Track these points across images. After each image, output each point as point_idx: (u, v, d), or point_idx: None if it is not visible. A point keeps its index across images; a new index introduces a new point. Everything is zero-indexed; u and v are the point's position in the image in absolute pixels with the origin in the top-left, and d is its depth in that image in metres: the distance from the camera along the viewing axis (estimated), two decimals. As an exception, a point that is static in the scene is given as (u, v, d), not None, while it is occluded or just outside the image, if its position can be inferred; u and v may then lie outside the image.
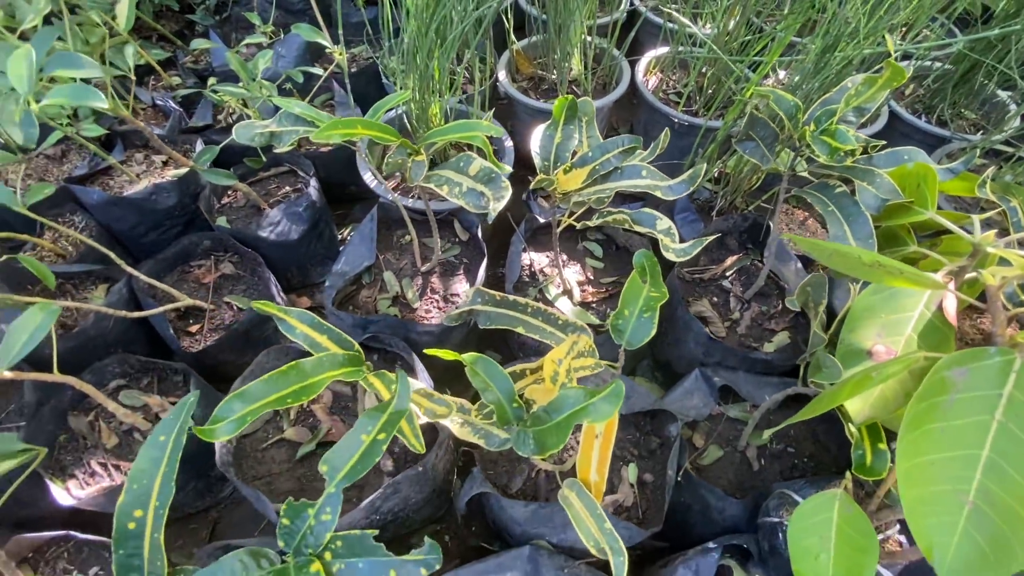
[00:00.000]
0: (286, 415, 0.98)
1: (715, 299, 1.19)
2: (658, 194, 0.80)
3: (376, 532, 0.51)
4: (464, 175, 0.80)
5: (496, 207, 0.75)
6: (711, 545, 0.85)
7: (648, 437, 1.01)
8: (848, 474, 0.74)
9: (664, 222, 0.80)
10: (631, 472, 0.94)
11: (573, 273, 1.22)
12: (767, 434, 0.99)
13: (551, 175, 0.82)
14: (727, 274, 1.23)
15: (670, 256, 0.77)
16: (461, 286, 1.16)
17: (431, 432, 0.97)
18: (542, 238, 1.27)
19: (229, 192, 1.36)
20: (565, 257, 1.26)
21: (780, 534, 0.79)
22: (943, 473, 0.49)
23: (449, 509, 1.12)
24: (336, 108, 1.48)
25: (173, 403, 1.02)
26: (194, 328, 1.14)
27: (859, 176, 0.88)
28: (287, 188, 1.37)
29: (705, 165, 0.85)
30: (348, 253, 1.17)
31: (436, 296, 1.16)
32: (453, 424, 0.75)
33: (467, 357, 0.65)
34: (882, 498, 0.74)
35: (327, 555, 0.49)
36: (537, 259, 1.23)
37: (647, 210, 0.82)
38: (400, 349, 0.99)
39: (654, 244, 1.31)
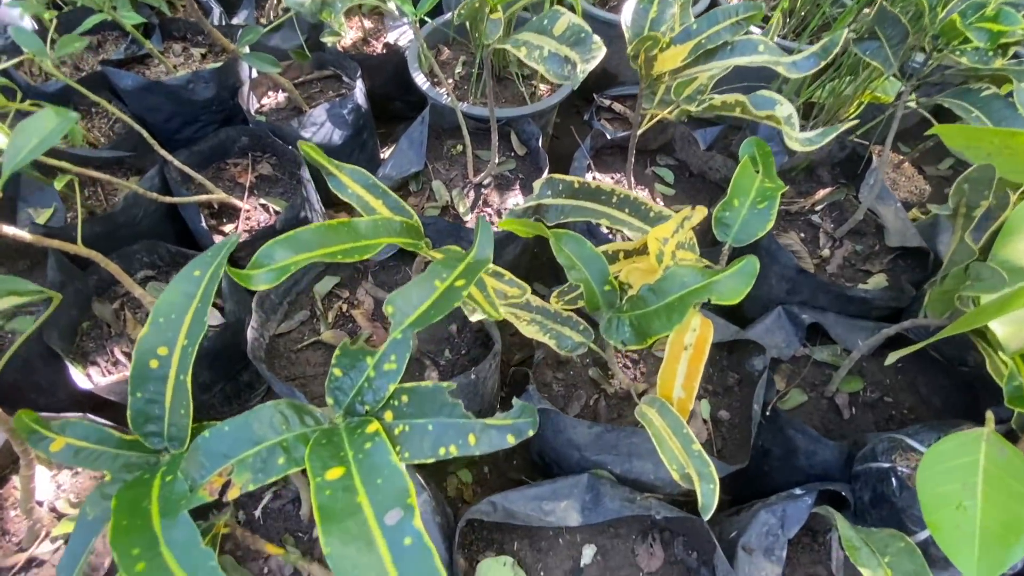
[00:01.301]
0: (324, 317, 0.89)
1: (803, 234, 1.06)
2: (781, 70, 0.67)
3: (454, 386, 0.41)
4: (547, 36, 0.67)
5: (584, 70, 0.63)
6: (798, 491, 0.74)
7: (724, 373, 0.89)
8: (990, 414, 0.62)
9: (786, 107, 0.67)
10: (704, 408, 0.83)
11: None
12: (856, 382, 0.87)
13: (645, 49, 0.69)
14: (816, 208, 1.09)
15: (794, 145, 0.64)
16: (516, 200, 1.05)
17: (484, 345, 0.87)
18: (607, 158, 1.15)
19: (269, 92, 1.26)
20: (632, 181, 1.13)
21: (893, 479, 0.67)
22: None
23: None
24: None
25: (203, 298, 0.94)
26: (227, 228, 1.06)
27: (1018, 76, 0.73)
28: (330, 93, 1.27)
29: (845, 31, 0.71)
30: (396, 158, 1.06)
31: (489, 210, 1.05)
32: (521, 320, 0.64)
33: (554, 232, 0.54)
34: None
35: (388, 415, 0.39)
36: (601, 181, 1.10)
37: (765, 92, 0.69)
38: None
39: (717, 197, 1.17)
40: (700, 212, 0.56)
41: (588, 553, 0.73)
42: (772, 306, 0.97)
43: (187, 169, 0.99)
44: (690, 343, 0.64)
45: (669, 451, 0.61)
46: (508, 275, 0.60)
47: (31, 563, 0.72)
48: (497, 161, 1.07)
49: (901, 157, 1.31)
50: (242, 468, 0.34)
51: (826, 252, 1.03)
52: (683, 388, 0.64)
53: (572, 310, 0.65)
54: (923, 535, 0.65)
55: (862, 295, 0.92)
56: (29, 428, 0.42)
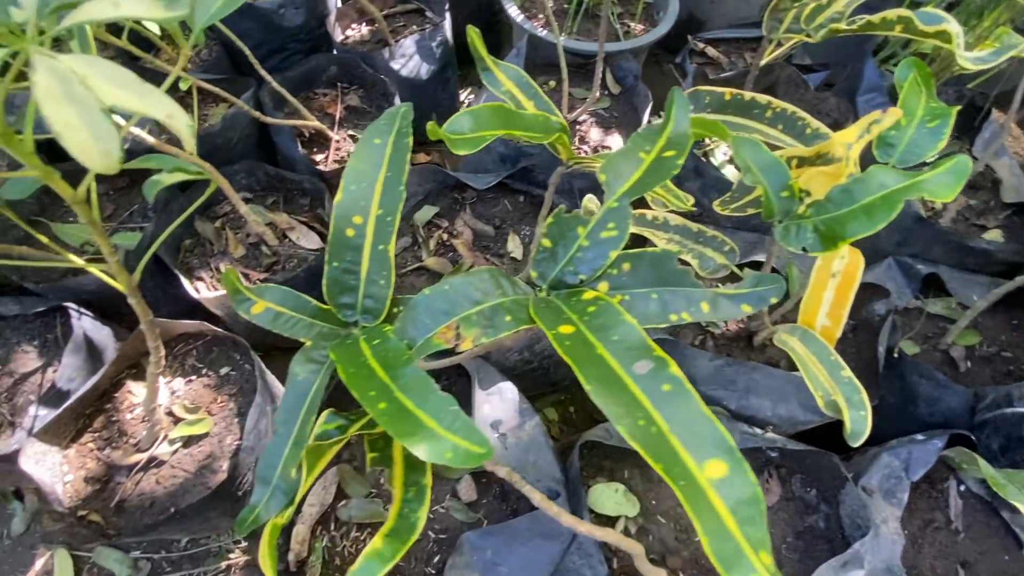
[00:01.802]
0: (425, 244, 0.88)
1: (911, 186, 1.01)
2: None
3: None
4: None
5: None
6: (920, 437, 0.72)
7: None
8: None
9: (954, 24, 0.63)
10: (815, 352, 0.81)
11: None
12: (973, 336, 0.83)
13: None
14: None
15: (965, 64, 0.60)
16: (615, 139, 1.02)
17: None
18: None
19: (353, 24, 1.23)
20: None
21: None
22: None
23: (574, 382, 1.02)
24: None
25: (303, 222, 0.94)
26: (318, 156, 1.05)
27: None
28: (414, 27, 1.24)
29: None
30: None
31: (585, 148, 1.02)
32: (659, 239, 0.62)
33: (733, 135, 0.51)
34: None
35: (602, 285, 0.38)
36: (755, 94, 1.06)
37: (930, 8, 0.64)
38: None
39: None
40: (893, 114, 0.53)
41: (701, 485, 0.72)
42: (878, 259, 0.93)
43: (283, 91, 0.98)
44: (839, 270, 0.62)
45: (815, 378, 0.59)
46: (720, 235, 0.58)
47: (151, 463, 0.74)
48: (597, 96, 1.03)
49: (1011, 121, 1.24)
50: (468, 324, 0.33)
51: (939, 205, 0.98)
52: (829, 317, 0.62)
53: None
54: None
55: (984, 246, 0.88)
56: (234, 287, 0.42)
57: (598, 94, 1.02)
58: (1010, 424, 0.68)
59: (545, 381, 0.92)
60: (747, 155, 0.50)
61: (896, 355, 0.78)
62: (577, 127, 1.04)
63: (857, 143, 0.51)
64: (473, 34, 0.56)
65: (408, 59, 1.12)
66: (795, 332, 0.63)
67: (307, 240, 0.91)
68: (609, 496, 0.71)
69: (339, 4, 1.21)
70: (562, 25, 1.15)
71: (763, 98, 0.62)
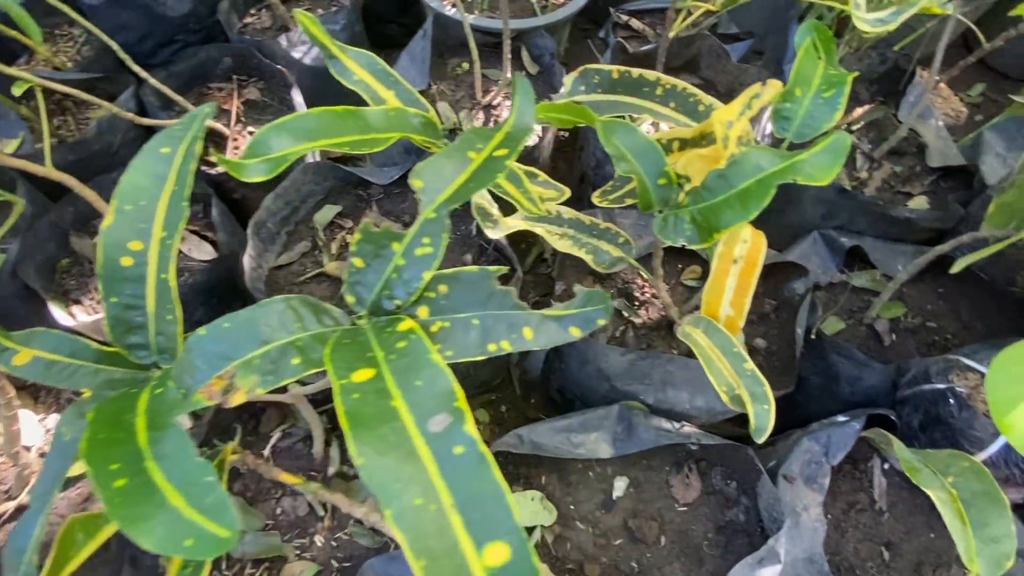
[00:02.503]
0: (326, 248, 0.82)
1: (837, 156, 0.98)
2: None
3: (505, 269, 0.35)
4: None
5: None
6: (841, 418, 0.70)
7: (759, 299, 0.83)
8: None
9: (852, -20, 0.58)
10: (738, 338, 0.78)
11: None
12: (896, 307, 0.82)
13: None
14: (853, 127, 1.01)
15: (862, 26, 0.56)
16: (531, 122, 0.96)
17: (490, 262, 0.80)
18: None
19: (252, 11, 1.14)
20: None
21: (951, 400, 0.63)
22: None
23: (506, 379, 0.98)
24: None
25: (194, 231, 0.87)
26: (213, 158, 0.97)
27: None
28: (319, 11, 1.15)
29: None
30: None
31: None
32: (552, 235, 0.57)
33: (602, 118, 0.46)
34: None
35: (422, 310, 0.33)
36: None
37: (826, -34, 0.60)
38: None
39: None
40: (773, 86, 0.49)
41: (620, 485, 0.69)
42: (804, 233, 0.91)
43: (166, 90, 0.89)
44: (740, 256, 0.58)
45: (718, 371, 0.55)
46: (543, 175, 0.53)
47: (21, 511, 0.67)
48: (509, 77, 0.97)
49: (936, 78, 1.22)
50: (247, 370, 0.28)
51: (864, 174, 0.96)
52: (732, 305, 0.58)
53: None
54: (981, 456, 0.62)
55: (907, 216, 0.86)
56: (-16, 334, 0.36)
57: (510, 75, 0.96)
58: (928, 401, 0.66)
59: (467, 383, 0.87)
60: (619, 141, 0.46)
61: (814, 335, 0.75)
62: (492, 111, 0.98)
63: (739, 121, 0.46)
64: (303, 18, 0.49)
65: (310, 45, 1.04)
66: (699, 323, 0.59)
67: (199, 251, 0.84)
68: (525, 505, 0.67)
69: (233, -12, 1.11)
70: (475, 2, 1.08)
71: (651, 75, 0.57)
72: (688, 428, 0.67)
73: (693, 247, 0.43)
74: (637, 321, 0.79)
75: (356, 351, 0.29)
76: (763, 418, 0.52)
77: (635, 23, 1.17)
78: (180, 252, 0.84)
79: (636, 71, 0.57)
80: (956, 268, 0.59)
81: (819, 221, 0.93)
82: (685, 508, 0.68)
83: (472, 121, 0.96)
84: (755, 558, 0.59)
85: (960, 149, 0.98)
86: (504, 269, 0.34)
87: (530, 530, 0.66)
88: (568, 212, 0.59)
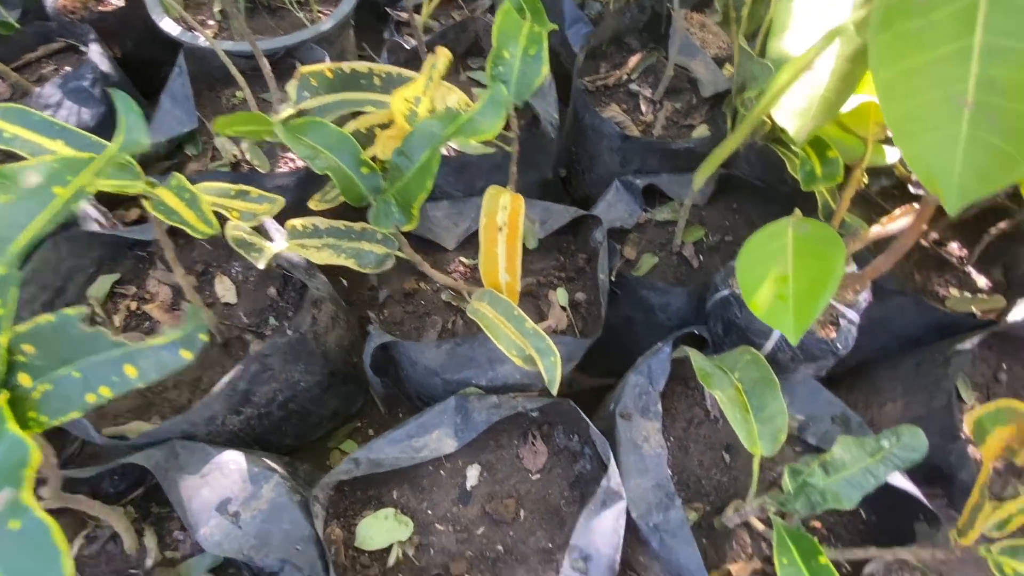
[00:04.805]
0: (109, 323, 0.74)
1: (624, 105, 1.04)
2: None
3: (84, 310, 0.32)
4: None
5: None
6: (659, 345, 0.74)
7: (574, 257, 0.86)
8: (796, 209, 0.63)
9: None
10: (560, 296, 0.80)
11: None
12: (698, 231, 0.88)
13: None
14: (632, 77, 1.07)
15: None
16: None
17: (298, 291, 0.77)
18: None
19: (-18, 83, 1.00)
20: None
21: (733, 302, 0.68)
22: (930, 78, 0.36)
23: (368, 402, 0.95)
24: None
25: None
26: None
27: None
28: (66, 69, 1.04)
29: None
30: (158, 120, 0.89)
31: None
32: (310, 249, 0.55)
33: (282, 125, 0.44)
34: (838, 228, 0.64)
35: (23, 378, 0.28)
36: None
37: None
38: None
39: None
40: (442, 54, 0.49)
41: (473, 474, 0.68)
42: (612, 180, 0.95)
43: None
44: (503, 223, 0.59)
45: (506, 338, 0.56)
46: (256, 191, 0.50)
47: None
48: (282, 97, 0.93)
49: (705, 19, 1.33)
50: None
51: (649, 117, 1.02)
52: (508, 272, 0.59)
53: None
54: (768, 345, 0.67)
55: (687, 146, 0.92)
56: None
57: (288, 93, 0.92)
58: (722, 308, 0.71)
59: (315, 423, 0.83)
60: (312, 140, 0.44)
61: (620, 279, 0.79)
62: (279, 135, 0.93)
63: (426, 94, 0.46)
64: None
65: (56, 107, 0.94)
66: (484, 297, 0.59)
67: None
68: (378, 527, 0.65)
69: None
70: (232, 27, 1.02)
71: (363, 66, 0.56)
72: (517, 397, 0.68)
73: (406, 229, 0.43)
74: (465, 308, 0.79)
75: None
76: (552, 370, 0.54)
77: (417, 18, 1.17)
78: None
79: (349, 65, 0.56)
80: (698, 178, 0.63)
81: (620, 169, 0.98)
82: (538, 475, 0.69)
83: (257, 149, 0.91)
84: (596, 502, 0.60)
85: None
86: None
87: (387, 550, 0.63)
88: (324, 222, 0.57)
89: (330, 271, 0.85)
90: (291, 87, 0.60)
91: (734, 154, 1.02)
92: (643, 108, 1.03)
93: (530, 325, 0.55)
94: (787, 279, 0.52)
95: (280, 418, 0.74)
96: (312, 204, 0.53)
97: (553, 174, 1.06)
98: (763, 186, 0.92)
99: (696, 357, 0.62)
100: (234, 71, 0.86)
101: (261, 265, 0.57)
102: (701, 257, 0.88)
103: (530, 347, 0.55)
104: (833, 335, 0.63)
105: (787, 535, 0.44)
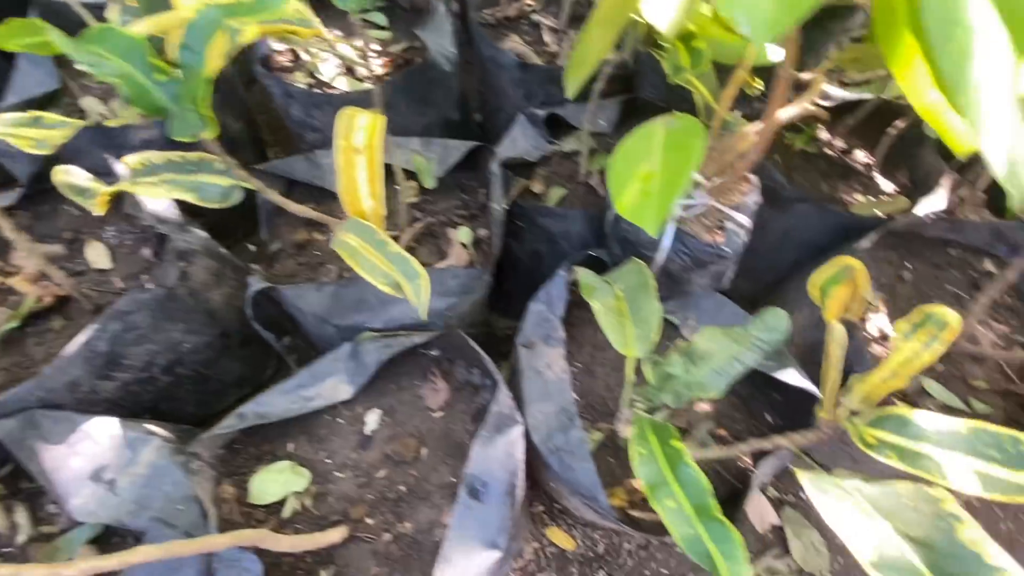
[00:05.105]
0: (-34, 299, 0.68)
1: (527, 36, 1.00)
2: None
3: None
4: None
5: None
6: (557, 271, 0.71)
7: (476, 194, 0.83)
8: (674, 112, 0.61)
9: None
10: (462, 234, 0.77)
11: (354, 51, 0.96)
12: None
13: None
14: (535, 8, 1.03)
15: None
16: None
17: (156, 240, 0.72)
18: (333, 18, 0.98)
19: None
20: (340, 33, 0.99)
21: (622, 218, 0.66)
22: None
23: (285, 367, 0.91)
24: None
25: None
26: None
27: None
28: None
29: None
30: (15, 81, 0.82)
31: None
32: (144, 186, 0.50)
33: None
34: (719, 128, 0.62)
35: None
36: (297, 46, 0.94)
37: None
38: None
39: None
40: None
41: (372, 419, 0.66)
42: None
43: None
44: (361, 144, 0.55)
45: (370, 266, 0.52)
46: (54, 117, 0.45)
47: None
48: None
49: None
50: None
51: (554, 47, 0.98)
52: (371, 196, 0.56)
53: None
54: (659, 257, 0.66)
55: (586, 71, 0.89)
56: None
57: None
58: (615, 226, 0.69)
59: (218, 390, 0.79)
60: (99, 47, 0.39)
61: (515, 208, 0.76)
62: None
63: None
64: None
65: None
66: (348, 226, 0.56)
67: None
68: (272, 480, 0.62)
69: None
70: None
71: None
72: (409, 334, 0.65)
73: (204, 136, 0.39)
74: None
75: None
76: (419, 292, 0.51)
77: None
78: None
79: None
80: (570, 83, 0.60)
81: (525, 103, 0.94)
82: (441, 412, 0.67)
83: (126, 105, 0.84)
84: (489, 428, 0.58)
85: None
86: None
87: (282, 502, 0.61)
88: (161, 156, 0.52)
89: (218, 228, 0.80)
90: (111, 11, 0.54)
91: (637, 77, 0.99)
92: (546, 39, 0.99)
93: (394, 248, 0.52)
94: (653, 175, 0.50)
95: (170, 384, 0.70)
96: (110, 122, 0.48)
97: (461, 115, 1.01)
98: (666, 107, 0.89)
99: (583, 273, 0.60)
100: (82, 11, 0.78)
101: (98, 211, 0.52)
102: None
103: (396, 272, 0.52)
104: (720, 239, 0.62)
105: (648, 426, 0.43)
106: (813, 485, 0.35)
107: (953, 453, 0.38)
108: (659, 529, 0.58)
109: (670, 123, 0.53)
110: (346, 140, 0.55)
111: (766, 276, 0.92)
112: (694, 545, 0.34)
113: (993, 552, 0.30)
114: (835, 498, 0.34)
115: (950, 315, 0.42)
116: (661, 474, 0.38)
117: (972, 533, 0.31)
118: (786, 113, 0.53)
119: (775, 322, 0.44)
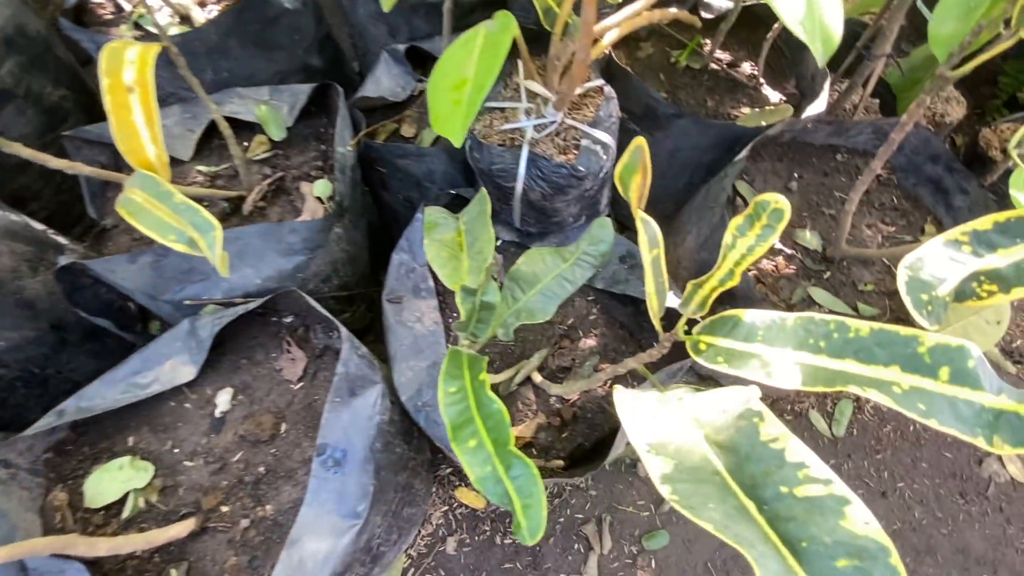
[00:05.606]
0: None
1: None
2: None
3: None
4: None
5: None
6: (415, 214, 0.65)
7: (333, 144, 0.75)
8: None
9: None
10: (319, 187, 0.70)
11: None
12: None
13: None
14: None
15: None
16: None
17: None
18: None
19: None
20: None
21: (474, 147, 0.60)
22: None
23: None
24: None
25: None
26: None
27: None
28: None
29: None
30: None
31: None
32: None
33: None
34: (561, 33, 0.56)
35: None
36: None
37: None
38: None
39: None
40: None
41: (224, 399, 0.60)
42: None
43: None
44: (133, 83, 0.46)
45: (156, 222, 0.45)
46: None
47: None
48: None
49: None
50: None
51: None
52: (154, 143, 0.48)
53: None
54: (518, 187, 0.60)
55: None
56: None
57: None
58: (475, 158, 0.63)
59: (68, 391, 0.71)
60: None
61: (369, 150, 0.69)
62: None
63: None
64: None
65: None
66: (134, 180, 0.48)
67: None
68: (109, 479, 0.55)
69: None
70: None
71: None
72: (246, 299, 0.58)
73: None
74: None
75: None
76: (213, 245, 0.44)
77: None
78: None
79: None
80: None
81: (390, 40, 0.86)
82: (300, 383, 0.61)
83: None
84: (340, 393, 0.53)
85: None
86: None
87: (121, 502, 0.55)
88: None
89: (60, 213, 0.70)
90: None
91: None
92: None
93: (180, 199, 0.45)
94: (466, 82, 0.44)
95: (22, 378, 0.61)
96: None
97: (326, 62, 0.92)
98: (540, 31, 0.82)
99: (429, 211, 0.54)
100: None
101: None
102: (483, 120, 0.79)
103: (187, 225, 0.44)
104: (572, 158, 0.57)
105: (464, 360, 0.38)
106: (620, 399, 0.31)
107: (784, 349, 0.34)
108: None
109: (490, 26, 0.47)
110: (113, 78, 0.46)
111: (665, 205, 0.88)
112: (492, 484, 0.30)
113: (793, 447, 0.27)
114: (636, 410, 0.30)
115: (782, 202, 0.38)
116: (469, 411, 0.34)
117: (772, 430, 0.28)
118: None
119: (599, 233, 0.39)
